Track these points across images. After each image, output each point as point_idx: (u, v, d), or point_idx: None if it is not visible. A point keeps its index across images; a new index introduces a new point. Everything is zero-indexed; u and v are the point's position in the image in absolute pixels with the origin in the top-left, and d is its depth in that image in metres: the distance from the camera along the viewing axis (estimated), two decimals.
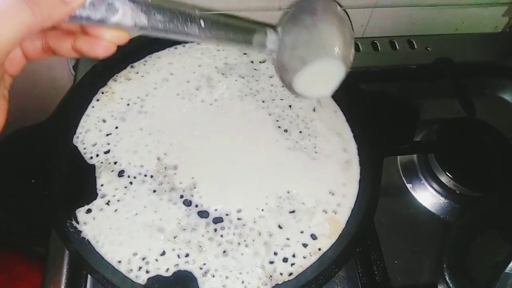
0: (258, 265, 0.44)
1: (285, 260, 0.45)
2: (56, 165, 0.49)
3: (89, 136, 0.51)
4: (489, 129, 0.58)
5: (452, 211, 0.56)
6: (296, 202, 0.48)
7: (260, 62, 0.59)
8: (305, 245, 0.46)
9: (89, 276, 0.48)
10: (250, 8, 0.65)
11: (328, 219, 0.47)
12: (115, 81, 0.55)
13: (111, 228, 0.45)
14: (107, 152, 0.50)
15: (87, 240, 0.45)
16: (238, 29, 0.32)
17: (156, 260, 0.44)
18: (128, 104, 0.53)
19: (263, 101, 0.55)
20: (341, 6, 0.37)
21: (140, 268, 0.43)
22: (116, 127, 0.52)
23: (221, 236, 0.46)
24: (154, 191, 0.48)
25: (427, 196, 0.57)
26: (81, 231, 0.45)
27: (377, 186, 0.48)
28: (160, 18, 0.28)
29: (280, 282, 0.44)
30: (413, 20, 0.72)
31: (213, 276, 0.43)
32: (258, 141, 0.52)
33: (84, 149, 0.50)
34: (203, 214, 0.47)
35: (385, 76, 0.66)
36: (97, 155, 0.50)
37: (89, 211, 0.46)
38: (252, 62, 0.59)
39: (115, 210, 0.46)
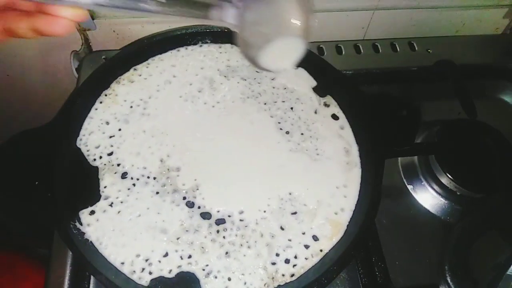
0: (260, 266, 0.45)
1: (287, 261, 0.45)
2: (59, 167, 0.49)
3: (93, 138, 0.51)
4: (490, 131, 0.59)
5: (452, 213, 0.56)
6: (298, 204, 0.48)
7: None
8: (307, 247, 0.46)
9: (92, 277, 0.48)
10: None
11: (329, 221, 0.48)
12: (118, 83, 0.56)
13: (114, 229, 0.46)
14: (110, 154, 0.50)
15: (90, 241, 0.45)
16: (195, 3, 0.32)
17: (159, 261, 0.44)
18: (131, 107, 0.54)
19: (265, 103, 0.56)
20: None
21: (143, 269, 0.44)
22: (119, 129, 0.52)
23: (224, 237, 0.46)
24: (157, 192, 0.48)
25: (428, 198, 0.57)
26: (84, 233, 0.45)
27: (379, 188, 0.49)
28: None
29: (282, 283, 0.44)
30: (413, 22, 0.73)
31: (216, 277, 0.44)
32: (260, 143, 0.52)
33: (88, 151, 0.50)
34: (205, 215, 0.47)
35: (386, 78, 0.67)
36: (100, 157, 0.50)
37: (92, 212, 0.46)
38: None
39: (118, 212, 0.47)
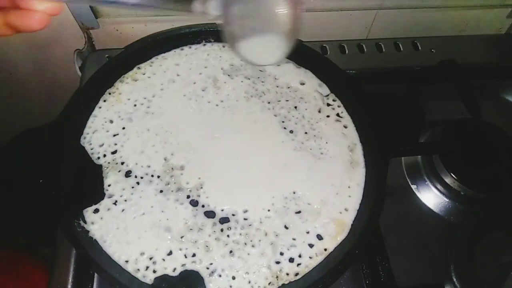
0: (265, 265, 0.44)
1: (291, 260, 0.45)
2: (63, 166, 0.49)
3: (96, 137, 0.51)
4: (494, 130, 0.58)
5: (456, 212, 0.56)
6: (302, 203, 0.48)
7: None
8: (311, 246, 0.46)
9: (96, 276, 0.48)
10: None
11: (333, 220, 0.48)
12: (122, 82, 0.56)
13: (118, 227, 0.46)
14: (114, 152, 0.50)
15: (95, 239, 0.45)
16: None
17: (163, 259, 0.44)
18: (135, 105, 0.54)
19: (269, 102, 0.56)
20: None
21: (147, 267, 0.44)
22: (123, 128, 0.52)
23: (228, 236, 0.46)
24: (161, 191, 0.48)
25: (432, 197, 0.57)
26: (88, 231, 0.45)
27: (383, 187, 0.49)
28: None
29: (286, 282, 0.44)
30: (417, 22, 0.73)
31: (220, 276, 0.44)
32: (264, 142, 0.52)
33: (92, 149, 0.50)
34: (209, 214, 0.47)
35: (390, 78, 0.67)
36: (104, 155, 0.50)
37: (96, 211, 0.46)
38: None
39: (122, 210, 0.47)
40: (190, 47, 0.59)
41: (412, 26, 0.73)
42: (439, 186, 0.56)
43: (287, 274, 0.44)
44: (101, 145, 0.51)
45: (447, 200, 0.56)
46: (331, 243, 0.46)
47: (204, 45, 0.60)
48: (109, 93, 0.55)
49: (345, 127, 0.55)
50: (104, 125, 0.52)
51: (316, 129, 0.54)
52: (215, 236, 0.46)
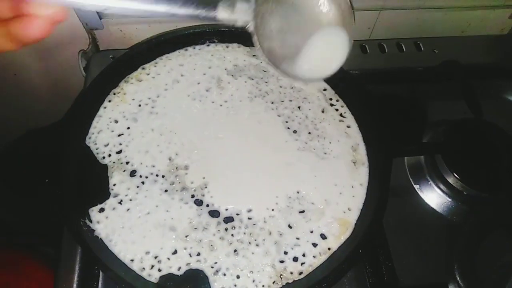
0: (269, 264, 0.45)
1: (295, 259, 0.45)
2: (69, 165, 0.49)
3: (101, 137, 0.52)
4: (496, 130, 0.59)
5: (459, 212, 0.56)
6: (305, 202, 0.49)
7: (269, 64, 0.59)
8: (315, 245, 0.46)
9: (101, 275, 0.49)
10: None
11: (337, 219, 0.48)
12: (127, 82, 0.56)
13: (123, 227, 0.46)
14: (119, 152, 0.51)
15: (100, 238, 0.45)
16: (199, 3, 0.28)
17: (168, 258, 0.45)
18: (139, 105, 0.54)
19: (272, 103, 0.56)
20: None
21: (152, 266, 0.44)
22: (128, 128, 0.52)
23: (232, 235, 0.46)
24: (166, 190, 0.48)
25: (434, 197, 0.57)
26: (94, 230, 0.46)
27: (386, 187, 0.49)
28: None
29: (290, 281, 0.44)
30: (419, 22, 0.73)
31: (224, 274, 0.44)
32: (267, 141, 0.53)
33: (97, 149, 0.51)
34: (214, 213, 0.47)
35: (392, 78, 0.67)
36: (109, 155, 0.50)
37: (102, 210, 0.47)
38: (261, 63, 0.59)
39: (128, 209, 0.47)
40: (194, 48, 0.60)
41: (415, 26, 0.73)
42: (441, 186, 0.57)
43: (291, 273, 0.45)
44: (106, 145, 0.51)
45: (450, 199, 0.56)
46: (334, 242, 0.47)
47: (208, 45, 0.60)
48: (114, 93, 0.55)
49: (349, 127, 0.55)
50: (109, 125, 0.53)
51: (320, 129, 0.54)
52: (220, 235, 0.46)
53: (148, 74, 0.57)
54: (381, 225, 0.51)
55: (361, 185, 0.50)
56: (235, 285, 0.44)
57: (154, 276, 0.44)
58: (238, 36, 0.60)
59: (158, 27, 0.64)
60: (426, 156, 0.59)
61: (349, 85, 0.57)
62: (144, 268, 0.44)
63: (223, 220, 0.47)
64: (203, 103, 0.55)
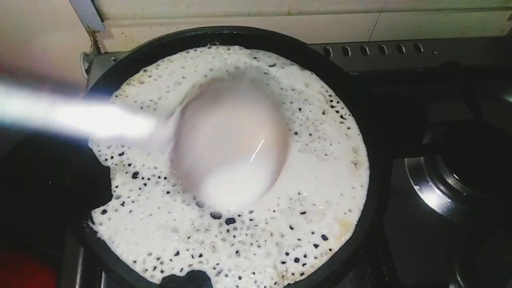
0: (270, 265, 0.45)
1: (296, 260, 0.46)
2: (71, 167, 0.50)
3: (104, 139, 0.52)
4: (496, 131, 0.59)
5: (459, 213, 0.56)
6: (307, 203, 0.49)
7: (270, 66, 0.60)
8: (316, 246, 0.47)
9: (103, 276, 0.49)
10: (259, 13, 0.66)
11: (338, 220, 0.48)
12: (129, 84, 0.56)
13: (126, 228, 0.46)
14: (121, 154, 0.51)
15: (103, 240, 0.45)
16: None
17: (171, 260, 0.45)
18: (141, 107, 0.54)
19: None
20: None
21: (154, 267, 0.44)
22: None
23: (234, 236, 0.46)
24: (168, 192, 0.48)
25: (434, 198, 0.58)
26: (96, 232, 0.46)
27: (387, 188, 0.49)
28: None
29: (292, 282, 0.45)
30: (419, 24, 0.73)
31: (226, 276, 0.44)
32: None
33: (99, 151, 0.51)
34: (216, 215, 0.48)
35: (392, 80, 0.67)
36: (112, 157, 0.51)
37: (104, 212, 0.47)
38: (262, 65, 0.60)
39: (130, 211, 0.47)
40: (195, 50, 0.60)
41: (414, 28, 0.73)
42: (441, 187, 0.57)
43: (293, 274, 0.45)
44: (109, 147, 0.51)
45: (450, 200, 0.57)
46: (336, 243, 0.47)
47: (209, 48, 0.60)
48: (116, 96, 0.55)
49: (349, 128, 0.55)
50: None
51: (320, 130, 0.55)
52: (222, 236, 0.46)
53: (150, 76, 0.57)
54: (381, 226, 0.51)
55: (361, 186, 0.51)
56: (237, 286, 0.44)
57: (156, 278, 0.44)
58: (239, 38, 0.61)
59: (159, 30, 0.65)
60: (426, 157, 0.59)
61: (350, 86, 0.58)
62: (146, 269, 0.44)
63: (225, 222, 0.47)
64: None
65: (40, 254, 0.76)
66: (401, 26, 0.73)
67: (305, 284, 0.45)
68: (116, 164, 0.50)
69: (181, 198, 0.48)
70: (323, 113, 0.56)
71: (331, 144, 0.54)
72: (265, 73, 0.59)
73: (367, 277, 0.50)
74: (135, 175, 0.50)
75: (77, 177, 0.49)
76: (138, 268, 0.44)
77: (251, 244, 0.46)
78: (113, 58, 0.66)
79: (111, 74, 0.56)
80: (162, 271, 0.44)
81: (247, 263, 0.45)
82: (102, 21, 0.65)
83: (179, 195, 0.48)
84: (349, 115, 0.56)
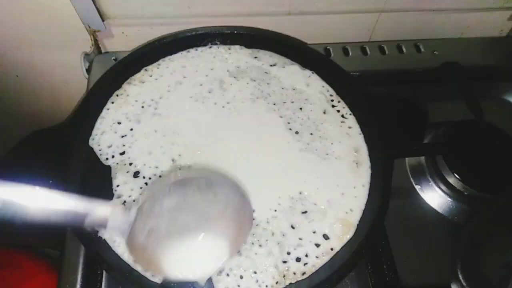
0: (272, 265, 0.45)
1: (298, 259, 0.46)
2: (72, 166, 0.50)
3: (105, 138, 0.52)
4: (496, 131, 0.59)
5: (460, 212, 0.56)
6: (308, 203, 0.49)
7: (271, 66, 0.60)
8: (317, 245, 0.47)
9: (104, 275, 0.49)
10: (259, 13, 0.66)
11: (339, 220, 0.48)
12: (130, 84, 0.56)
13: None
14: (122, 153, 0.51)
15: (104, 239, 0.45)
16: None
17: None
18: (142, 107, 0.54)
19: (274, 104, 0.56)
20: None
21: None
22: (131, 129, 0.53)
23: None
24: None
25: (435, 198, 0.58)
26: (98, 231, 0.46)
27: (388, 188, 0.49)
28: None
29: (293, 281, 0.45)
30: (419, 24, 0.73)
31: (228, 275, 0.44)
32: (270, 143, 0.53)
33: (100, 150, 0.51)
34: None
35: (393, 80, 0.67)
36: (113, 156, 0.51)
37: None
38: (263, 65, 0.60)
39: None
40: (196, 50, 0.60)
41: (415, 28, 0.73)
42: (442, 187, 0.57)
43: (294, 273, 0.45)
44: (110, 146, 0.51)
45: (451, 200, 0.57)
46: (337, 242, 0.47)
47: (210, 47, 0.61)
48: (117, 95, 0.55)
49: (350, 128, 0.55)
50: (112, 127, 0.53)
51: (322, 130, 0.55)
52: None
53: (151, 76, 0.57)
54: (383, 226, 0.51)
55: (363, 186, 0.51)
56: (239, 286, 0.44)
57: (157, 277, 0.44)
58: (240, 38, 0.61)
59: (160, 29, 0.64)
60: (427, 156, 0.59)
61: (350, 86, 0.58)
62: (147, 269, 0.44)
63: None
64: (206, 105, 0.55)
65: (41, 254, 0.75)
66: (401, 26, 0.73)
67: (306, 284, 0.45)
68: (117, 163, 0.50)
69: None
70: (324, 113, 0.56)
71: (332, 144, 0.54)
72: (266, 72, 0.59)
73: (368, 276, 0.50)
74: (136, 174, 0.49)
75: (78, 176, 0.49)
76: (139, 267, 0.44)
77: (253, 243, 0.46)
78: (114, 58, 0.66)
79: (112, 73, 0.56)
80: None
81: (248, 262, 0.45)
82: (103, 20, 0.65)
83: None
84: (350, 114, 0.57)
